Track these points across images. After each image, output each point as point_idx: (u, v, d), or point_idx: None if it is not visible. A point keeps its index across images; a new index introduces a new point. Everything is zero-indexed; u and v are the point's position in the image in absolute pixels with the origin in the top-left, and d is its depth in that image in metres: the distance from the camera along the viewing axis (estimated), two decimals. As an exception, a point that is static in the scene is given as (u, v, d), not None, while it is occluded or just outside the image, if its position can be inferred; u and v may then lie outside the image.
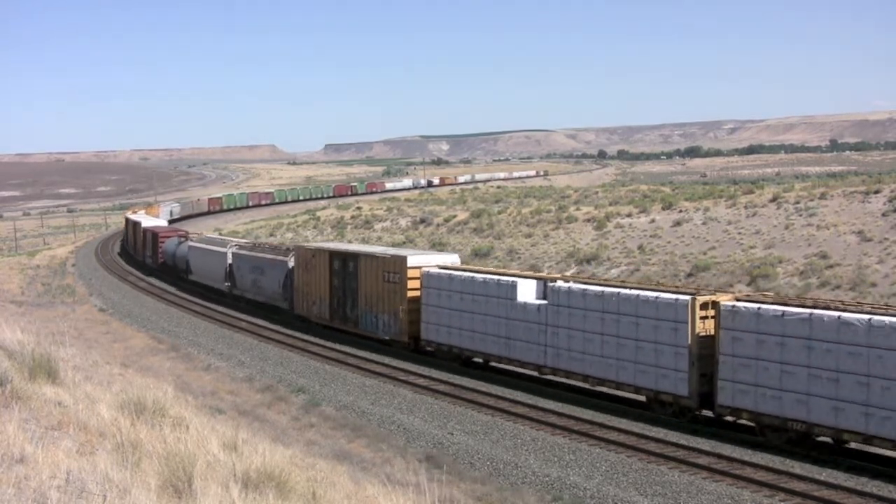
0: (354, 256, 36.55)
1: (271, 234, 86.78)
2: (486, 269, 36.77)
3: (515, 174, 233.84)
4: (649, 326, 23.68)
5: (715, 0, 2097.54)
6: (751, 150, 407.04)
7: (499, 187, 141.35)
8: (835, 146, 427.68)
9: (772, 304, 21.61)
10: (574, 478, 19.27)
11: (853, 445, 20.18)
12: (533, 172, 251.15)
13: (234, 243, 51.85)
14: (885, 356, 18.74)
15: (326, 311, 38.14)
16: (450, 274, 31.26)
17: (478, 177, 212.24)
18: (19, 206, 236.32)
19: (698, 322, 22.67)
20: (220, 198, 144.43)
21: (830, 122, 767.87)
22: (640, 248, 52.63)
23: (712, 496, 17.68)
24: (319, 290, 38.54)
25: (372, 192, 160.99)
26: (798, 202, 53.21)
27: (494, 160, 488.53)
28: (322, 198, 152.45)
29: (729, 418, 22.31)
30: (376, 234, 78.24)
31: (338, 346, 34.86)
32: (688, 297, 22.97)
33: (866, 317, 19.35)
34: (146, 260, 68.68)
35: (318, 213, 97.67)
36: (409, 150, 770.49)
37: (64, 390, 10.94)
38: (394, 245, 68.40)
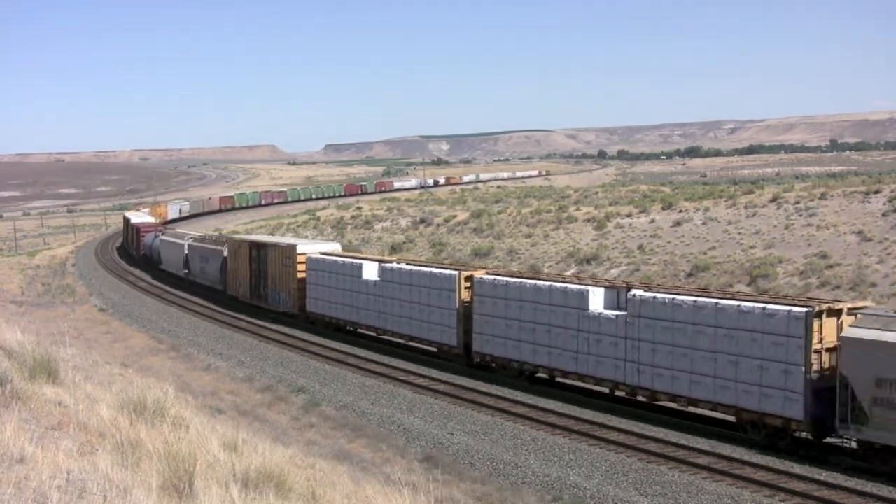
0: (265, 246, 44.88)
1: (271, 234, 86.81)
2: (350, 254, 43.55)
3: (518, 174, 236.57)
4: (435, 294, 31.18)
5: (714, 0, 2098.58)
6: (751, 150, 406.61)
7: (499, 187, 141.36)
8: (835, 146, 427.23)
9: (501, 275, 29.72)
10: (574, 478, 19.27)
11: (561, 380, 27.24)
12: (536, 172, 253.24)
13: (189, 236, 60.27)
14: (557, 310, 26.54)
15: (248, 291, 46.14)
16: (323, 258, 39.20)
17: (482, 176, 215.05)
18: (19, 206, 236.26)
19: (463, 290, 30.15)
20: (231, 196, 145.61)
21: (830, 122, 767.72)
22: (640, 248, 52.63)
23: (712, 496, 17.68)
24: (244, 274, 46.55)
25: (382, 192, 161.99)
26: (798, 202, 53.19)
27: (494, 160, 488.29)
28: (334, 196, 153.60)
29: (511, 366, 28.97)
30: (376, 235, 78.22)
31: (338, 346, 34.90)
32: (455, 272, 31.07)
33: (547, 283, 27.52)
34: (132, 252, 77.89)
35: (319, 214, 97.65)
36: (409, 150, 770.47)
37: (64, 390, 10.94)
38: (393, 245, 68.53)
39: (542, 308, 26.93)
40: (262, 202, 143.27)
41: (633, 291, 24.50)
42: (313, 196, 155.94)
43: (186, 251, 57.19)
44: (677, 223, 55.95)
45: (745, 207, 55.42)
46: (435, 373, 29.65)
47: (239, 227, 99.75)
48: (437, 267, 33.99)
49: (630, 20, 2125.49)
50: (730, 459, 19.57)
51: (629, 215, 60.92)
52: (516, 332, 27.94)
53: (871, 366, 18.57)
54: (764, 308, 21.10)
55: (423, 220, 77.82)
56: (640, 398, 24.46)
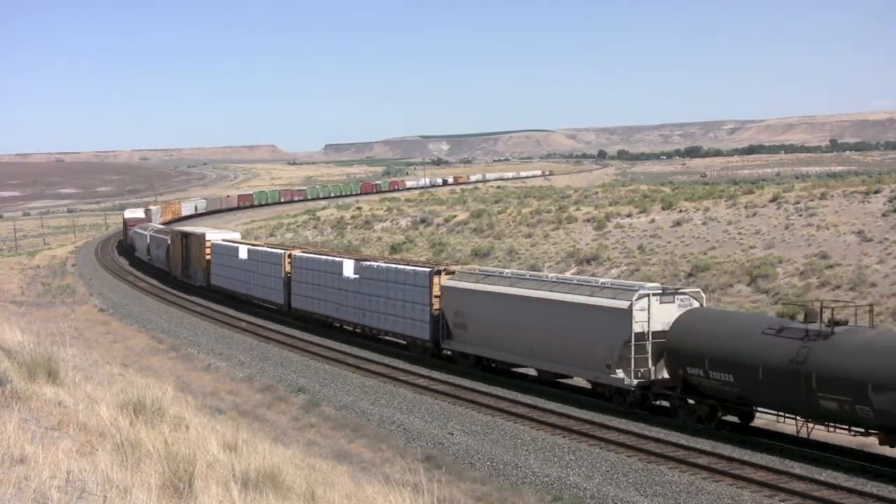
0: (189, 235, 56.51)
1: (271, 235, 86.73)
2: (240, 240, 53.90)
3: (523, 174, 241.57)
4: (271, 268, 43.00)
5: (714, 0, 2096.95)
6: (751, 150, 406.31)
7: (499, 187, 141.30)
8: (835, 146, 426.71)
9: (307, 252, 42.76)
10: (574, 478, 19.26)
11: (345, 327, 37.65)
12: (539, 172, 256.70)
13: (151, 228, 72.59)
14: (328, 276, 37.28)
15: (180, 271, 57.26)
16: (220, 243, 50.87)
17: (488, 176, 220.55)
18: (19, 206, 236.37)
19: (287, 265, 41.38)
20: (250, 194, 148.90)
21: (830, 122, 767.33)
22: (640, 248, 52.65)
23: (712, 496, 17.66)
24: (178, 257, 57.41)
25: (395, 190, 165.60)
26: (798, 202, 53.19)
27: (494, 160, 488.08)
28: (351, 195, 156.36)
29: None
30: (376, 235, 78.21)
31: (337, 346, 34.90)
32: (283, 251, 43.24)
33: (325, 256, 40.16)
34: (125, 243, 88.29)
35: (319, 214, 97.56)
36: (409, 151, 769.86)
37: (64, 390, 10.94)
38: (393, 245, 68.51)
39: (322, 274, 37.90)
40: (282, 199, 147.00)
41: (363, 262, 36.28)
42: (331, 194, 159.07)
43: (148, 241, 68.61)
44: (677, 223, 55.96)
45: (745, 207, 55.42)
46: (435, 373, 29.67)
47: (239, 226, 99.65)
48: (270, 247, 48.84)
49: (630, 20, 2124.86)
50: (730, 459, 19.54)
51: (629, 215, 60.92)
52: (311, 291, 38.99)
53: (452, 302, 29.71)
54: (414, 269, 32.72)
55: (423, 220, 77.81)
56: (368, 334, 35.73)
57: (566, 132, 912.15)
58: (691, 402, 22.26)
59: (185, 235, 56.65)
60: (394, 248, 67.36)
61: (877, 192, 50.68)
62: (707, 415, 21.92)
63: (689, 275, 45.34)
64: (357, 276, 35.40)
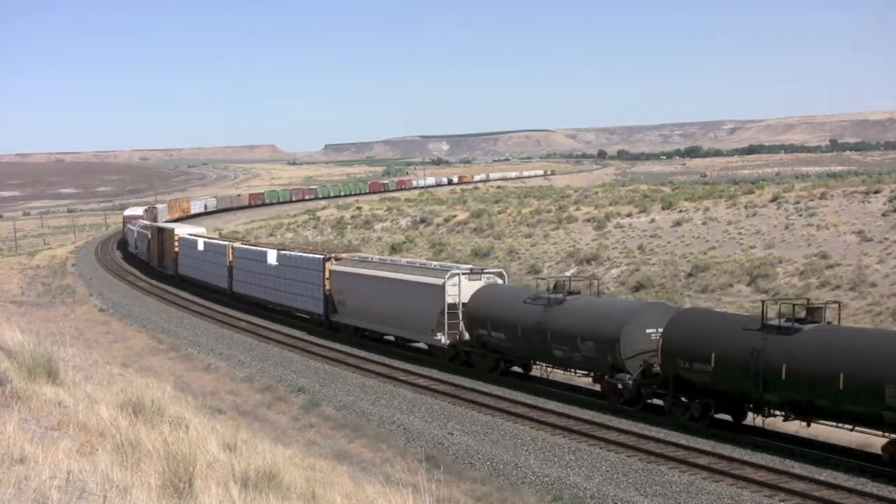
0: (163, 230, 64.02)
1: (271, 235, 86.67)
2: (201, 234, 60.01)
3: (525, 174, 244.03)
4: (219, 257, 50.01)
5: (714, 0, 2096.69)
6: (751, 150, 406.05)
7: (499, 187, 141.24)
8: (835, 146, 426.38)
9: (246, 244, 51.45)
10: (574, 478, 19.26)
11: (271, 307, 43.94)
12: (541, 172, 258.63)
13: (139, 224, 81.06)
14: (258, 264, 44.09)
15: (157, 262, 64.63)
16: (185, 237, 57.47)
17: (492, 175, 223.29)
18: (19, 206, 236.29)
19: (231, 255, 48.13)
20: (262, 193, 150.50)
21: (830, 122, 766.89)
22: (640, 248, 52.63)
23: (712, 496, 17.66)
24: (156, 250, 65.14)
25: (402, 189, 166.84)
26: (798, 202, 53.18)
27: (494, 160, 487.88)
28: (360, 193, 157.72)
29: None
30: (376, 235, 78.16)
31: (337, 346, 34.90)
32: (227, 243, 51.04)
33: (256, 247, 48.09)
34: (123, 239, 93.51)
35: (319, 214, 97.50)
36: (409, 151, 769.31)
37: (64, 390, 10.93)
38: (393, 245, 68.56)
39: (254, 262, 44.64)
40: (293, 198, 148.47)
41: (281, 252, 43.06)
42: (342, 193, 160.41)
43: (136, 235, 76.89)
44: (677, 223, 55.94)
45: (745, 207, 55.40)
46: (435, 373, 29.67)
47: (239, 227, 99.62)
48: (216, 239, 57.81)
49: (630, 20, 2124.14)
50: (730, 459, 19.54)
51: (629, 215, 60.89)
52: (247, 277, 45.51)
53: (337, 283, 36.07)
54: (312, 256, 39.98)
55: (423, 220, 77.77)
56: (287, 312, 41.82)
57: (566, 132, 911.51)
58: (485, 356, 28.88)
59: (161, 230, 64.72)
60: (394, 248, 67.32)
61: (877, 192, 50.67)
62: (493, 366, 28.59)
63: (689, 275, 45.32)
64: (278, 263, 42.22)
